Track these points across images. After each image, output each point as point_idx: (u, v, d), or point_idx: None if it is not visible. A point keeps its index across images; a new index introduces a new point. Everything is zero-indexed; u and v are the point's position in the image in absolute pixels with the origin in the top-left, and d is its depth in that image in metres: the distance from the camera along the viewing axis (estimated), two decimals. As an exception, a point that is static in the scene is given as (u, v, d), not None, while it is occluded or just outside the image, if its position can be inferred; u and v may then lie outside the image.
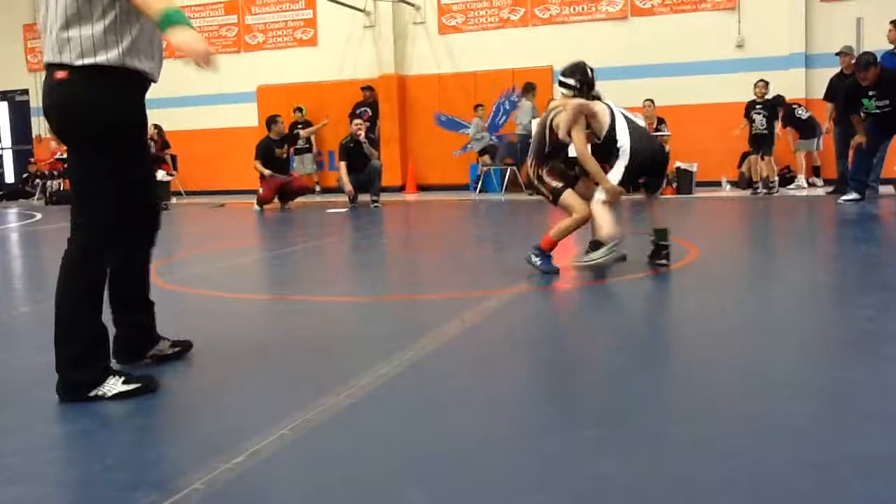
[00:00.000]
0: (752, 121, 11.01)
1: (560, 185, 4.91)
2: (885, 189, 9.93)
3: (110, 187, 2.64)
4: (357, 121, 11.80)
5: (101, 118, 2.58)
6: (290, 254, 6.94)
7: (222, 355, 3.15)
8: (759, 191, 10.85)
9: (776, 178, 11.07)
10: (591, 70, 5.07)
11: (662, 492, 1.85)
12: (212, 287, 4.85)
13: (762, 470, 1.93)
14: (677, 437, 2.18)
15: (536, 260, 4.81)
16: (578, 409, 2.49)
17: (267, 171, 11.19)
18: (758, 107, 10.99)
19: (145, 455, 2.25)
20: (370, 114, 13.84)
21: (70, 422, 2.54)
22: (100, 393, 2.63)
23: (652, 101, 11.96)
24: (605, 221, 4.76)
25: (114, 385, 2.64)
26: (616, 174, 4.76)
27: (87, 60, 2.51)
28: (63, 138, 2.65)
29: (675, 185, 11.60)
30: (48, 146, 16.22)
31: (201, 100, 15.38)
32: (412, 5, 14.13)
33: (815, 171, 11.93)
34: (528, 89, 12.70)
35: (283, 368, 3.05)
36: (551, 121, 4.88)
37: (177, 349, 3.12)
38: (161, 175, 12.39)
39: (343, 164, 11.25)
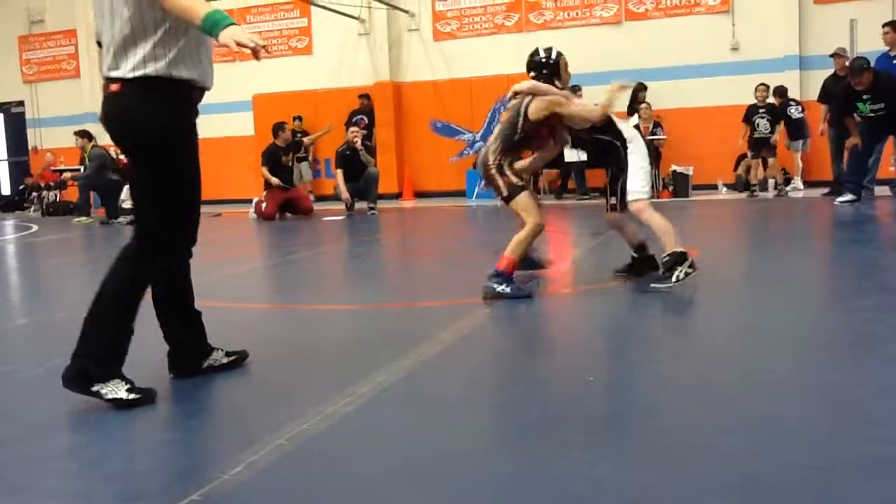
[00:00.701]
0: (754, 125, 10.96)
1: (521, 183, 4.60)
2: (880, 190, 9.96)
3: (160, 193, 2.74)
4: (353, 128, 11.81)
5: (149, 126, 2.70)
6: (288, 262, 6.93)
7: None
8: (756, 193, 10.86)
9: (782, 179, 11.08)
10: (548, 53, 4.65)
11: (660, 496, 1.84)
12: (209, 297, 4.83)
13: (761, 473, 1.93)
14: (675, 440, 2.18)
15: (503, 288, 4.30)
16: (575, 414, 2.48)
17: (275, 180, 11.15)
18: (761, 111, 10.94)
19: (144, 466, 2.25)
20: (367, 121, 13.84)
21: (70, 433, 2.54)
22: (102, 391, 2.64)
23: (648, 103, 11.97)
24: (663, 233, 4.50)
25: (116, 388, 2.66)
26: (639, 174, 4.60)
27: (138, 73, 2.65)
28: (119, 146, 2.82)
29: (671, 188, 11.62)
30: (44, 158, 16.20)
31: (197, 109, 15.36)
32: (407, 12, 14.15)
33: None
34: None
35: (281, 377, 3.05)
36: (526, 108, 4.53)
37: (232, 358, 3.14)
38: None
39: (340, 172, 11.25)
